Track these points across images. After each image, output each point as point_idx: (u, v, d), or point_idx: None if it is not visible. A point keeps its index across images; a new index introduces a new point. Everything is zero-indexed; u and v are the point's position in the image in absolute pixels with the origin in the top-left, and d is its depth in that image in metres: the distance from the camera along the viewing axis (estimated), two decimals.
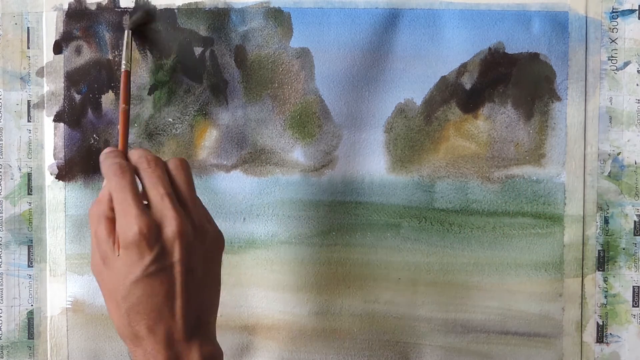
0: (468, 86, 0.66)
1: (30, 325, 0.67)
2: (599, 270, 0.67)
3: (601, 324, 0.67)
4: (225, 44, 0.66)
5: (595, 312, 0.67)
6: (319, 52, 0.66)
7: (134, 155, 0.53)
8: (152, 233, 0.48)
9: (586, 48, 0.66)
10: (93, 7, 0.66)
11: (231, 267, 0.66)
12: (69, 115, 0.66)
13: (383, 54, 0.66)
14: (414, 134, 0.67)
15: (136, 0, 0.66)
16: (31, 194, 0.67)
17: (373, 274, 0.67)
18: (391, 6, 0.66)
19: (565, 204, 0.66)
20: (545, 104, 0.66)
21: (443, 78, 0.66)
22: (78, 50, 0.66)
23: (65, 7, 0.66)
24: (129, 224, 0.48)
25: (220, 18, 0.66)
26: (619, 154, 0.67)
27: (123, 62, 0.61)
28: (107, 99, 0.66)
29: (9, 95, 0.67)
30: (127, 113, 0.58)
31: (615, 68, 0.67)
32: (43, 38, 0.66)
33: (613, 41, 0.67)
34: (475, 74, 0.66)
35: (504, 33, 0.66)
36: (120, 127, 0.58)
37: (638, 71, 0.67)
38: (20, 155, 0.67)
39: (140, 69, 0.66)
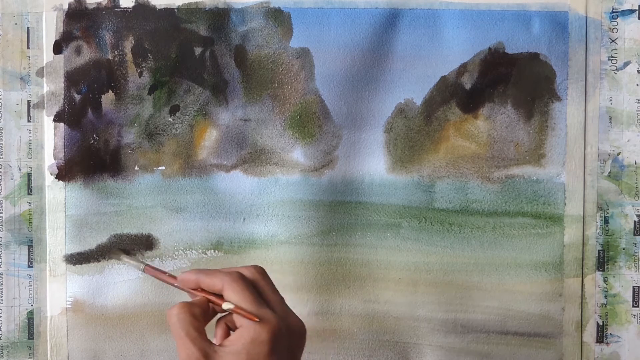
0: (468, 86, 0.66)
1: (30, 325, 0.67)
2: (599, 270, 0.67)
3: (601, 324, 0.67)
4: (225, 44, 0.66)
5: (595, 312, 0.67)
6: (319, 52, 0.66)
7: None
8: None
9: (586, 48, 0.66)
10: (93, 7, 0.66)
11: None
12: (69, 115, 0.66)
13: (383, 54, 0.66)
14: (414, 134, 0.67)
15: (136, 0, 0.66)
16: (31, 194, 0.67)
17: (373, 274, 0.67)
18: (391, 6, 0.66)
19: (565, 204, 0.66)
20: (545, 104, 0.66)
21: (443, 78, 0.66)
22: (78, 50, 0.66)
23: (65, 7, 0.66)
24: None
25: (220, 18, 0.66)
26: (619, 154, 0.67)
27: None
28: (107, 99, 0.66)
29: (9, 95, 0.67)
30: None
31: (615, 68, 0.67)
32: (43, 38, 0.66)
33: (613, 41, 0.67)
34: (475, 74, 0.66)
35: (504, 33, 0.66)
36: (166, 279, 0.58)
37: (638, 71, 0.67)
38: (20, 155, 0.67)
39: (140, 69, 0.66)
